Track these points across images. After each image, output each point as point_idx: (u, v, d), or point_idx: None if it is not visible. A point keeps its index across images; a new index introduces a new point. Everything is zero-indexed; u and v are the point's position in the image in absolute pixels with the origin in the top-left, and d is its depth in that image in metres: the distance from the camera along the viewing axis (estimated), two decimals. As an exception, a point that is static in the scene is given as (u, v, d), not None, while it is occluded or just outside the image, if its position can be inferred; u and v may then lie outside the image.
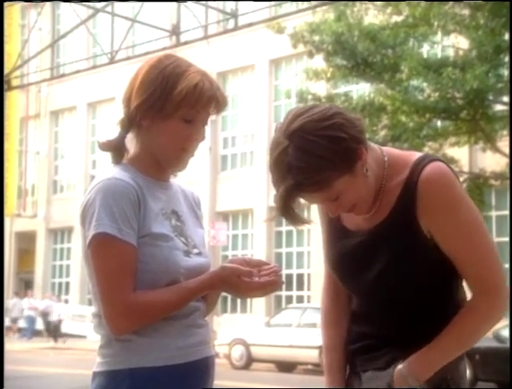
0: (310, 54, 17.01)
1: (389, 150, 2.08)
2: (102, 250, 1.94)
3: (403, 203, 1.99)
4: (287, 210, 1.94)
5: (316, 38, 16.26)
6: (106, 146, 2.10)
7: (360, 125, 1.96)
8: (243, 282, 1.99)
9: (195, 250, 2.09)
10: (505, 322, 13.94)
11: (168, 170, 2.13)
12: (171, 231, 2.04)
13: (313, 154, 1.87)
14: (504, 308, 2.00)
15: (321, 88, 18.67)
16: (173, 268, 1.99)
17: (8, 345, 19.59)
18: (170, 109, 2.01)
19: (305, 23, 16.48)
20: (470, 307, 2.00)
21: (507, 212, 20.73)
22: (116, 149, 2.09)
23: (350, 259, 2.08)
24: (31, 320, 28.29)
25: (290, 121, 1.91)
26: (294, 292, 26.16)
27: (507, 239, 20.78)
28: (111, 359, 1.99)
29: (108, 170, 2.05)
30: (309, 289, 25.72)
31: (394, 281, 2.01)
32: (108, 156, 2.13)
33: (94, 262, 1.96)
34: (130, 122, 2.07)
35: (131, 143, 2.12)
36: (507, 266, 19.22)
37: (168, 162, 2.09)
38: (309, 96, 16.98)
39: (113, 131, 2.15)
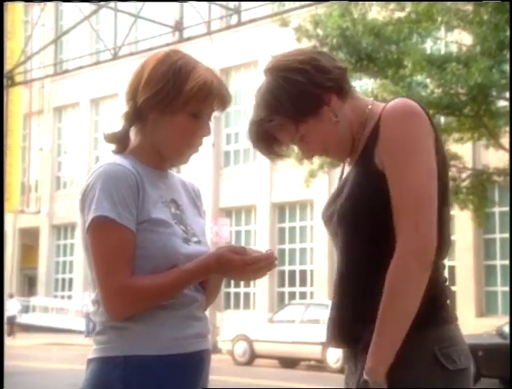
0: (314, 49, 16.99)
1: (377, 102, 2.08)
2: (100, 232, 1.96)
3: (369, 142, 1.98)
4: (257, 141, 2.06)
5: (320, 32, 16.25)
6: (111, 137, 2.12)
7: (339, 73, 2.03)
8: (237, 257, 1.97)
9: (195, 239, 2.09)
10: (507, 318, 13.95)
11: (169, 163, 2.15)
12: (170, 218, 2.04)
13: (272, 93, 1.99)
14: (417, 277, 1.82)
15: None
16: (172, 254, 1.99)
17: (11, 341, 19.64)
18: (179, 104, 2.03)
19: (310, 15, 16.46)
20: (388, 274, 1.84)
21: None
22: (120, 141, 2.11)
23: (327, 204, 2.11)
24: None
25: (271, 61, 2.05)
26: (297, 289, 26.17)
27: (507, 235, 20.77)
28: (106, 345, 1.99)
29: (108, 157, 2.07)
30: (311, 285, 25.72)
31: (349, 217, 1.95)
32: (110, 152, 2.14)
33: (92, 245, 1.97)
34: (136, 115, 2.08)
35: (134, 136, 2.13)
36: (507, 262, 19.22)
37: (172, 156, 2.11)
38: None
39: (116, 127, 2.16)
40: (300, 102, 1.97)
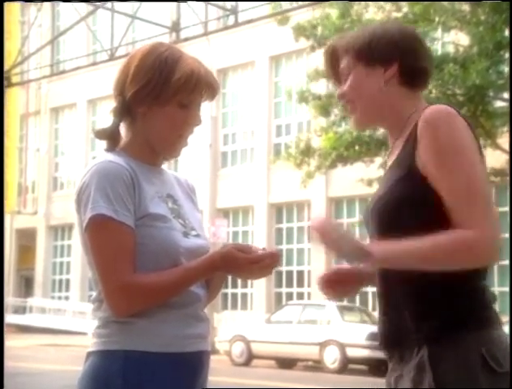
0: (312, 49, 17.01)
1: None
2: (99, 231, 1.95)
3: (407, 143, 2.02)
4: (327, 52, 2.17)
5: (318, 32, 16.28)
6: (101, 134, 2.12)
7: (421, 65, 2.09)
8: (242, 255, 1.97)
9: (193, 232, 2.09)
10: (506, 318, 13.94)
11: (162, 156, 2.14)
12: (168, 213, 2.04)
13: (372, 29, 2.12)
14: (479, 257, 1.87)
15: (322, 87, 18.66)
16: (173, 248, 1.99)
17: (9, 342, 19.60)
18: (168, 95, 2.03)
19: (307, 20, 16.50)
20: (451, 233, 1.87)
21: (507, 209, 20.72)
22: (111, 137, 2.10)
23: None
24: None
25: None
26: (294, 289, 26.17)
27: (507, 235, 20.78)
28: (106, 339, 1.98)
29: (101, 156, 2.06)
30: (309, 286, 25.72)
31: (382, 214, 2.00)
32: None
33: (91, 244, 1.96)
34: (125, 110, 2.08)
35: (125, 132, 2.12)
36: (507, 262, 19.23)
37: (164, 148, 2.10)
38: (310, 97, 17.20)
39: (106, 124, 2.15)
40: (376, 46, 2.06)
